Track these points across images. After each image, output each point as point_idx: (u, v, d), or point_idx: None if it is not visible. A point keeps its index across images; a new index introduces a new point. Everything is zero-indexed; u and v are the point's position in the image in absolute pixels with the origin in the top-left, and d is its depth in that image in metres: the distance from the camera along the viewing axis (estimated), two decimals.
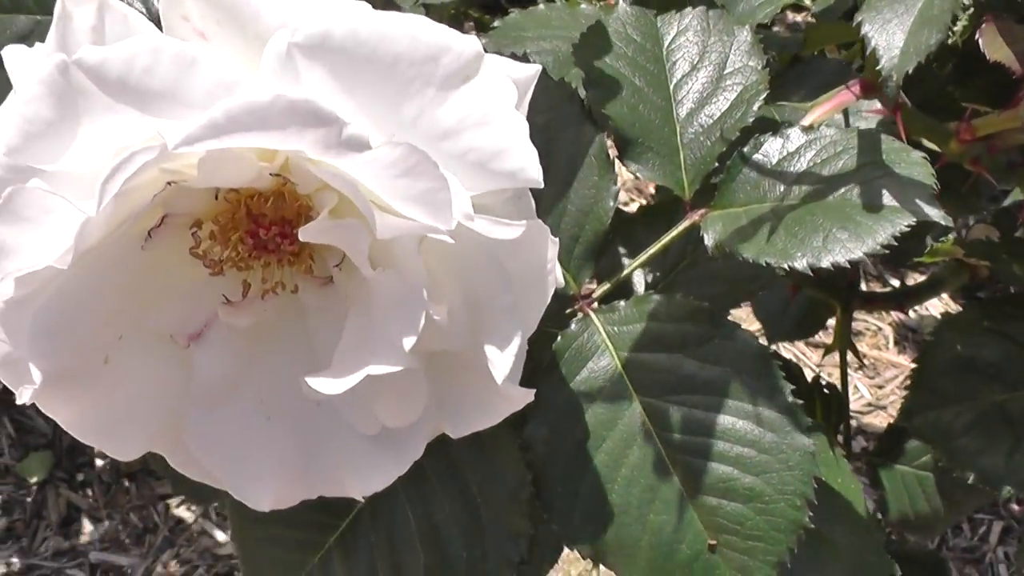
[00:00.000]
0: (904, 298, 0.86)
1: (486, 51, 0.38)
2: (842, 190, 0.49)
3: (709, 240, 0.50)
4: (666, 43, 0.55)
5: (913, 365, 0.70)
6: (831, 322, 1.72)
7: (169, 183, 0.39)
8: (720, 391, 0.49)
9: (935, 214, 0.47)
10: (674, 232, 0.52)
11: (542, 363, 0.51)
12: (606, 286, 0.53)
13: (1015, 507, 1.49)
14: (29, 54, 0.40)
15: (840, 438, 0.83)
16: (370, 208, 0.36)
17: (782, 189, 0.50)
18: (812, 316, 0.96)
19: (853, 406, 1.58)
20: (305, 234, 0.39)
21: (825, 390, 0.83)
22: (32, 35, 0.52)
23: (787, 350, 1.64)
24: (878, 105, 0.56)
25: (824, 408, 0.82)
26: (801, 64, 0.68)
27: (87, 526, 1.57)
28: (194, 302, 0.44)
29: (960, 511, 0.86)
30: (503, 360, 0.39)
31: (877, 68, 0.45)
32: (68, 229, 0.37)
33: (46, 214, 0.37)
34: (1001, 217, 0.82)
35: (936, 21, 0.43)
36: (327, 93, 0.37)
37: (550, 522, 0.50)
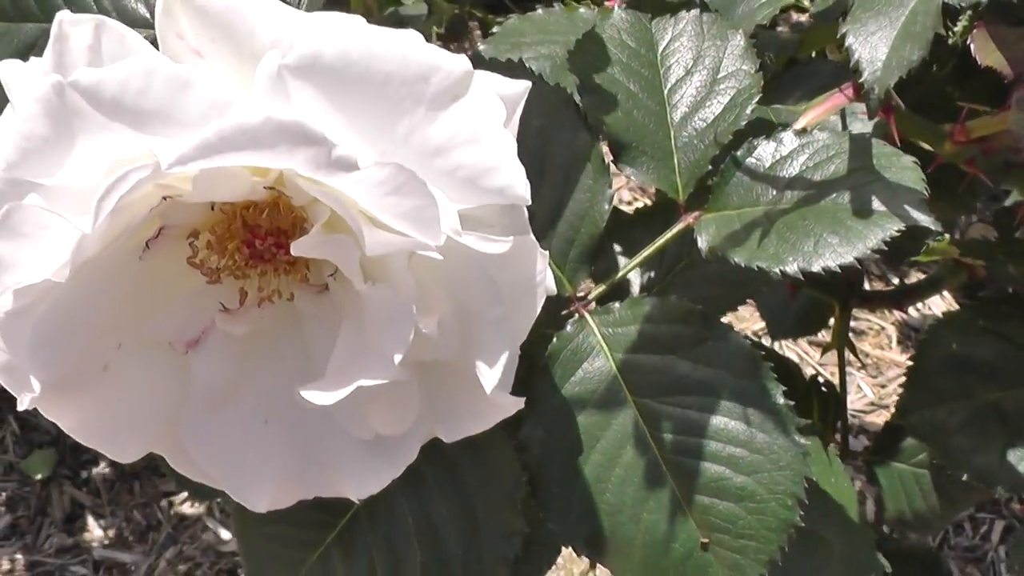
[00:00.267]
0: (902, 297, 0.87)
1: (484, 57, 0.39)
2: (833, 195, 0.49)
3: (702, 243, 0.51)
4: (660, 48, 0.56)
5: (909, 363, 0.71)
6: (830, 321, 1.73)
7: (165, 198, 0.40)
8: (713, 392, 0.50)
9: (925, 219, 0.47)
10: (668, 235, 0.53)
11: (538, 364, 0.51)
12: (602, 288, 0.54)
13: (1017, 506, 1.50)
14: (26, 69, 0.41)
15: (838, 436, 0.84)
16: (359, 225, 0.37)
17: (775, 193, 0.50)
18: (814, 314, 0.96)
19: (856, 405, 1.58)
20: (297, 249, 0.39)
21: (823, 388, 0.84)
22: (40, 42, 0.53)
23: (790, 349, 1.65)
24: None
25: (821, 407, 0.83)
26: (798, 66, 0.69)
27: (91, 523, 1.58)
28: (192, 310, 0.44)
29: (957, 508, 0.87)
30: (492, 371, 0.40)
31: (860, 81, 0.46)
32: (65, 243, 0.38)
33: (43, 230, 0.38)
34: (1002, 217, 0.82)
35: (919, 37, 0.44)
36: (319, 112, 0.38)
37: (546, 521, 0.51)
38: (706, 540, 0.50)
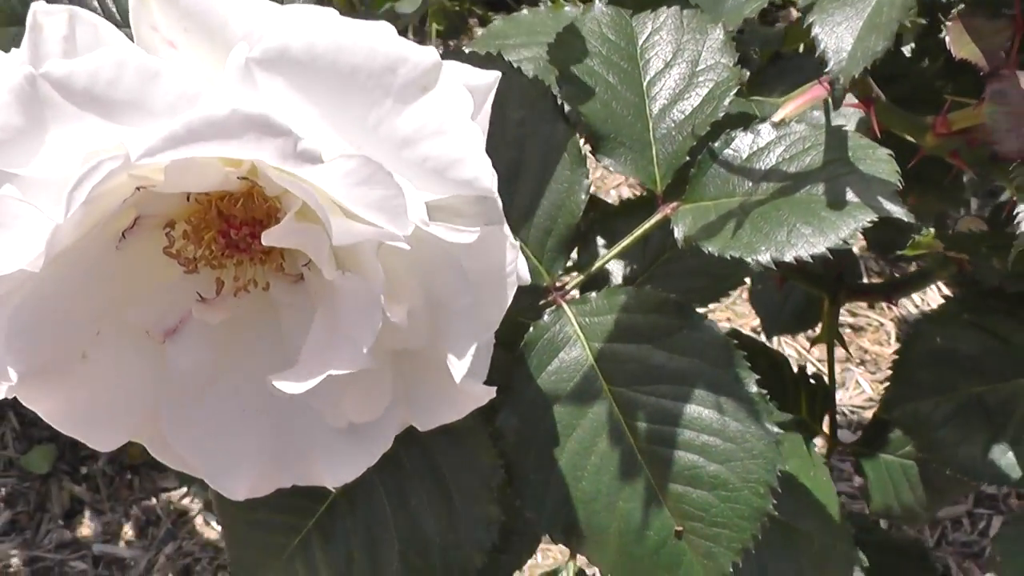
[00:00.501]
0: (892, 290, 0.87)
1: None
2: (808, 186, 0.49)
3: (678, 233, 0.51)
4: (640, 41, 0.56)
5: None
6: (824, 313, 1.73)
7: (138, 188, 0.40)
8: (687, 381, 0.51)
9: (898, 211, 0.48)
10: (646, 225, 0.53)
11: (515, 354, 0.52)
12: (580, 278, 0.55)
13: (1015, 501, 1.50)
14: (5, 60, 0.41)
15: (827, 429, 0.84)
16: (327, 215, 0.38)
17: (750, 184, 0.51)
18: (810, 310, 0.97)
19: (855, 401, 1.58)
20: (268, 238, 0.40)
21: (811, 381, 0.84)
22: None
23: (789, 345, 1.65)
24: (855, 99, 0.57)
25: (809, 399, 0.83)
26: (783, 60, 0.69)
27: (90, 519, 1.59)
28: (169, 299, 0.45)
29: (944, 500, 0.87)
30: (462, 360, 0.40)
31: (826, 71, 0.46)
32: (40, 233, 0.38)
33: (16, 219, 0.38)
34: (997, 213, 0.82)
35: (884, 28, 0.44)
36: (288, 104, 0.38)
37: (522, 509, 0.52)
38: (680, 528, 0.51)
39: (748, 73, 0.71)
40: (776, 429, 0.50)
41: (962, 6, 0.54)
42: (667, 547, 0.51)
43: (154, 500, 1.60)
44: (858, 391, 1.58)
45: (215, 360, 0.46)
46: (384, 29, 0.38)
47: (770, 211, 0.49)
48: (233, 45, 0.39)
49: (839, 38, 0.46)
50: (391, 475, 0.52)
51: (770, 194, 0.50)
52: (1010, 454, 0.66)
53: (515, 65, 0.54)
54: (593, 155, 0.54)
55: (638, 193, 1.76)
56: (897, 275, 1.58)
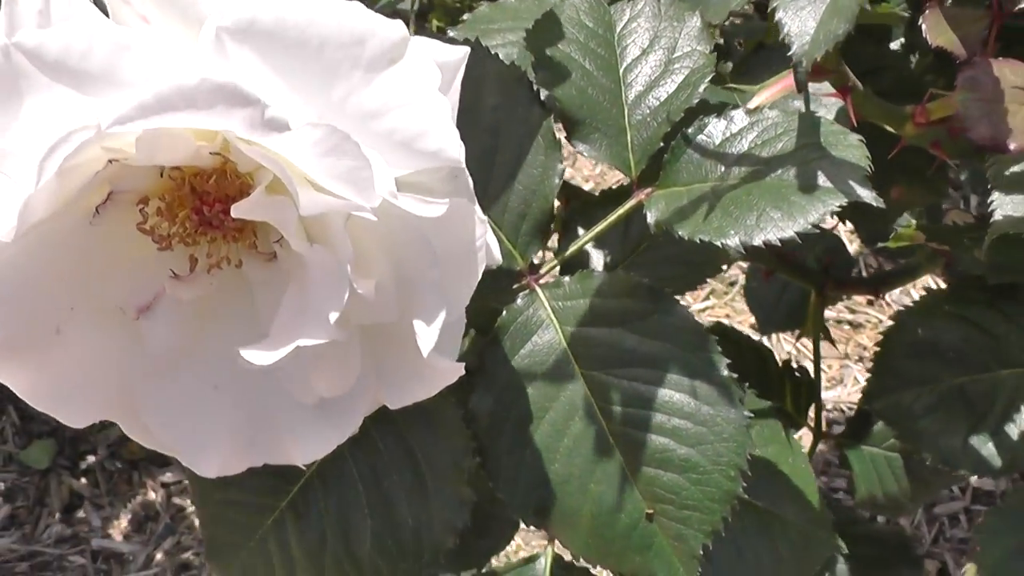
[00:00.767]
0: (879, 283, 0.87)
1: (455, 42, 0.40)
2: (779, 171, 0.50)
3: (651, 218, 0.52)
4: (618, 28, 0.57)
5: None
6: (829, 314, 1.73)
7: (111, 161, 0.41)
8: (659, 365, 0.51)
9: (867, 195, 0.48)
10: (620, 211, 0.54)
11: (489, 336, 0.52)
12: (554, 262, 0.55)
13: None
14: None
15: (812, 421, 0.85)
16: (295, 185, 0.38)
17: (723, 170, 0.51)
18: (805, 307, 0.97)
19: (852, 397, 1.59)
20: (237, 211, 0.40)
21: (797, 373, 0.85)
22: None
23: (788, 342, 1.65)
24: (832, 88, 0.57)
25: (794, 390, 0.84)
26: (766, 50, 0.70)
27: (89, 513, 1.59)
28: (143, 276, 0.45)
29: (929, 491, 0.88)
30: (429, 334, 0.41)
31: (788, 54, 0.47)
32: (14, 204, 0.39)
33: None
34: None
35: (846, 11, 0.45)
36: (259, 75, 0.39)
37: (495, 490, 0.52)
38: (651, 511, 0.51)
39: (731, 64, 0.72)
40: (747, 413, 0.50)
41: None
42: (638, 529, 0.51)
43: (153, 495, 1.60)
44: (856, 387, 1.59)
45: (188, 337, 0.46)
46: (354, 4, 0.39)
47: (741, 195, 0.50)
48: (203, 19, 0.40)
49: (802, 22, 0.46)
50: (364, 456, 0.52)
51: (742, 179, 0.51)
52: (991, 444, 0.66)
53: (492, 51, 0.55)
54: (568, 140, 0.54)
55: None
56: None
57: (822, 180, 0.49)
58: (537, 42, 0.55)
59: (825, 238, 0.96)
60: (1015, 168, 0.53)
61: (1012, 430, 0.65)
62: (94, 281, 0.45)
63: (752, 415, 0.51)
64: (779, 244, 0.47)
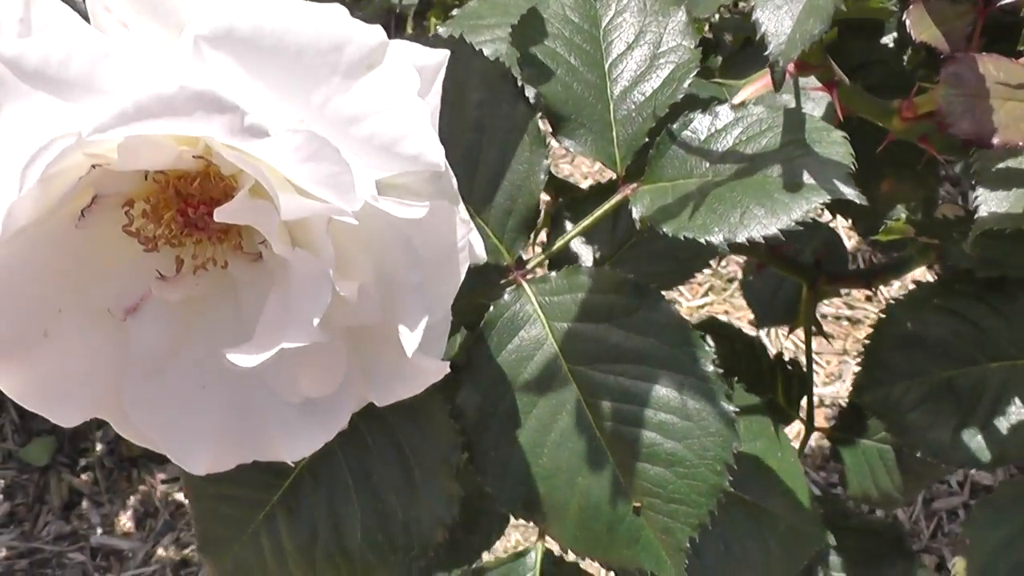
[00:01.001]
0: (871, 276, 0.88)
1: (443, 39, 0.40)
2: (764, 168, 0.50)
3: (636, 214, 0.52)
4: (604, 23, 0.57)
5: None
6: (828, 310, 1.72)
7: (94, 166, 0.41)
8: (645, 360, 0.51)
9: (850, 193, 0.48)
10: (606, 206, 0.54)
11: (476, 332, 0.53)
12: (541, 257, 0.55)
13: None
14: None
15: (803, 414, 0.85)
16: (275, 189, 0.38)
17: (708, 166, 0.52)
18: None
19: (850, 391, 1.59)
20: (220, 215, 0.41)
21: (788, 367, 0.85)
22: None
23: (787, 338, 1.65)
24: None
25: (786, 383, 0.84)
26: (754, 47, 0.70)
27: (88, 510, 1.60)
28: (129, 277, 0.46)
29: (921, 484, 0.88)
30: (412, 335, 0.41)
31: (765, 54, 0.47)
32: None
33: None
34: None
35: (822, 11, 0.45)
36: (237, 82, 0.39)
37: (483, 485, 0.52)
38: (638, 504, 0.51)
39: (720, 59, 0.72)
40: (732, 408, 0.51)
41: None
42: (626, 522, 0.52)
43: (152, 492, 1.61)
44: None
45: (175, 337, 0.46)
46: (333, 10, 0.39)
47: (725, 192, 0.50)
48: (184, 26, 0.40)
49: (780, 21, 0.47)
50: (354, 451, 0.53)
51: (727, 176, 0.51)
52: (979, 437, 0.67)
53: (481, 47, 0.55)
54: (554, 136, 0.55)
55: None
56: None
57: (806, 178, 0.49)
58: (522, 38, 0.56)
59: (822, 232, 0.96)
60: (1000, 165, 0.53)
61: (1001, 423, 0.66)
62: (81, 283, 0.45)
63: (738, 410, 0.51)
64: (763, 241, 0.48)
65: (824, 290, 0.85)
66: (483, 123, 0.53)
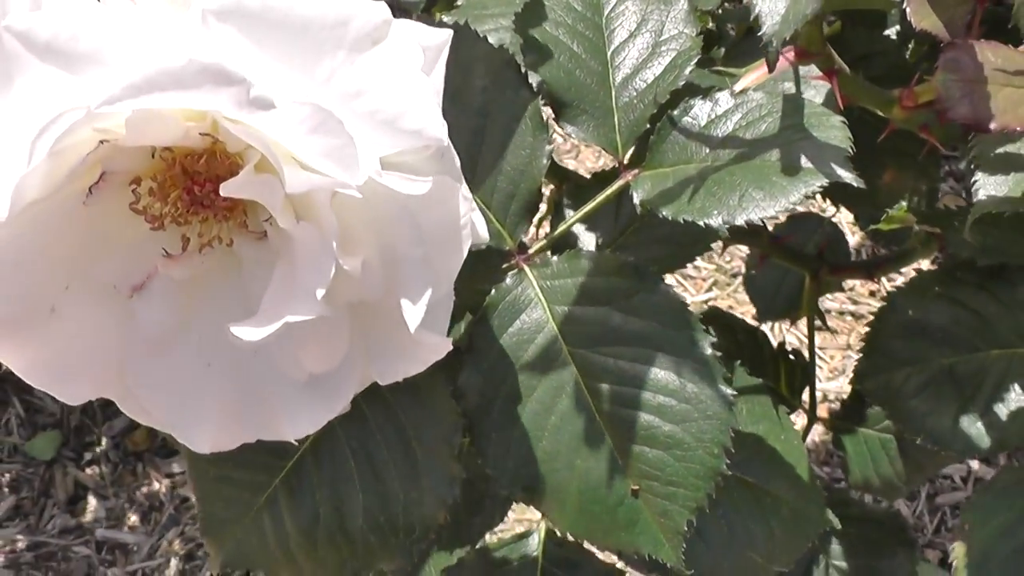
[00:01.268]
0: (874, 267, 0.88)
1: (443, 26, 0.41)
2: (763, 152, 0.51)
3: (636, 199, 0.52)
4: (606, 11, 0.58)
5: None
6: (831, 304, 1.72)
7: (102, 142, 0.41)
8: (644, 343, 0.52)
9: (848, 176, 0.49)
10: (608, 191, 0.54)
11: (478, 314, 0.53)
12: (543, 242, 0.56)
13: None
14: None
15: (806, 403, 0.85)
16: (280, 163, 0.39)
17: (708, 151, 0.52)
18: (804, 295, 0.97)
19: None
20: (225, 189, 0.41)
21: (791, 356, 0.85)
22: None
23: (791, 333, 1.66)
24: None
25: (788, 373, 0.84)
26: (754, 36, 0.70)
27: (94, 504, 1.60)
28: (136, 255, 0.46)
29: (923, 473, 0.89)
30: (415, 310, 0.41)
31: (759, 34, 0.47)
32: (6, 186, 0.39)
33: None
34: None
35: None
36: (244, 56, 0.40)
37: (484, 467, 0.53)
38: (636, 487, 0.52)
39: (723, 50, 0.72)
40: (730, 390, 0.51)
41: None
42: (624, 505, 0.52)
43: (157, 486, 1.61)
44: None
45: (181, 315, 0.47)
46: None
47: (724, 176, 0.50)
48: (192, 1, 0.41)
49: (773, 2, 0.47)
50: (356, 432, 0.53)
51: (726, 160, 0.51)
52: (979, 424, 0.67)
53: (485, 35, 0.56)
54: (556, 122, 0.55)
55: None
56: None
57: (804, 161, 0.50)
58: (526, 26, 0.56)
59: (824, 227, 0.97)
60: (998, 149, 0.54)
61: (1000, 410, 0.66)
62: (88, 260, 0.46)
63: (736, 393, 0.51)
64: (762, 223, 0.48)
65: (827, 281, 0.85)
66: (487, 109, 0.54)
